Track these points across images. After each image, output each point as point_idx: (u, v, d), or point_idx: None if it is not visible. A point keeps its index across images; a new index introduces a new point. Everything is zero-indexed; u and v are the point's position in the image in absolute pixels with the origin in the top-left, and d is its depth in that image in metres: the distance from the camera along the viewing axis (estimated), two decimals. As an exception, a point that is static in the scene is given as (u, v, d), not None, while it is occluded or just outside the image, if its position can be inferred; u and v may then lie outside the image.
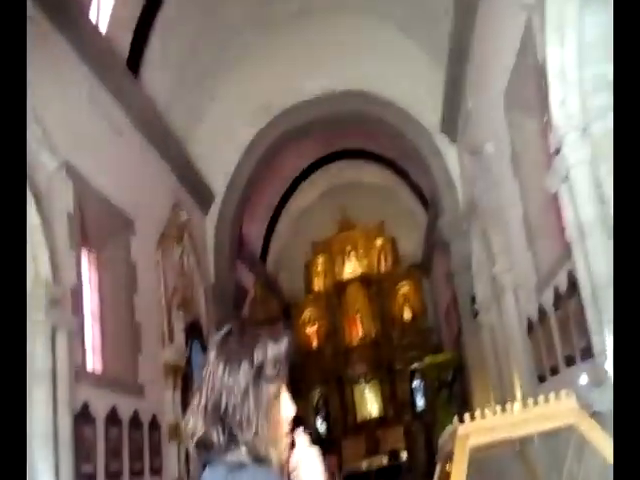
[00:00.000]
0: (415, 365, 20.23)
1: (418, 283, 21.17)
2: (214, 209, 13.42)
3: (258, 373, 1.56)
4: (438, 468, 3.86)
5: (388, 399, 20.51)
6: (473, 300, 11.63)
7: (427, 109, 12.70)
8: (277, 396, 1.59)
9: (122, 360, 8.59)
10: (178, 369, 10.01)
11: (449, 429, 3.74)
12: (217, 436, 1.54)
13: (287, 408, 1.61)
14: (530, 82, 6.75)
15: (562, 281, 6.49)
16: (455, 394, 15.63)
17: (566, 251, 6.10)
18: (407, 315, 21.14)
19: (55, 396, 6.35)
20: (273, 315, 15.57)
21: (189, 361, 10.77)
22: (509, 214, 8.82)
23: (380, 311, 21.06)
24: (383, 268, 21.76)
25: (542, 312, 7.54)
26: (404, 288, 21.29)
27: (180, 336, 10.35)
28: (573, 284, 5.86)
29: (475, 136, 10.40)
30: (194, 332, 11.22)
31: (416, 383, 20.52)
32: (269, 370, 1.57)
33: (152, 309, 9.68)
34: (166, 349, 9.84)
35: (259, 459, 1.51)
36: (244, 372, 1.56)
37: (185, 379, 10.41)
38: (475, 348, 11.92)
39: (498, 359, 10.67)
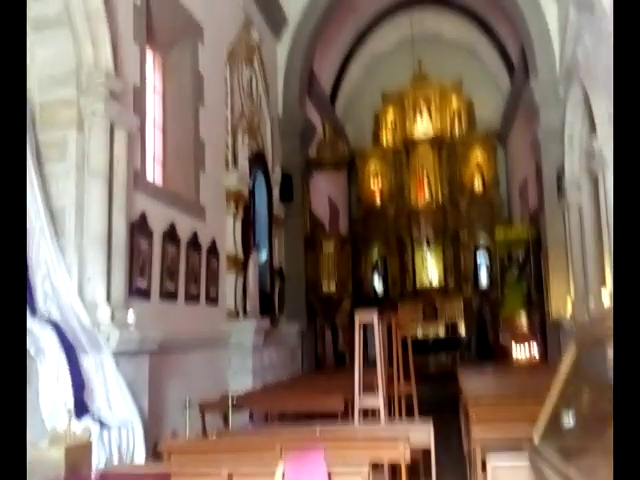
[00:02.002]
0: (482, 238, 19.57)
1: (493, 152, 19.86)
2: (286, 37, 12.39)
3: None
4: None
5: (450, 269, 19.67)
6: (560, 176, 10.61)
7: None
8: None
9: (184, 176, 7.97)
10: (240, 197, 9.40)
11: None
12: None
13: None
14: None
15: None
16: (526, 274, 14.81)
17: None
18: (478, 185, 19.93)
19: (111, 198, 5.76)
20: (340, 161, 14.71)
21: (252, 192, 10.16)
22: None
23: (449, 176, 19.88)
24: (457, 131, 20.33)
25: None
26: (477, 155, 19.96)
27: (244, 163, 9.68)
28: None
29: None
30: (258, 162, 10.55)
31: (481, 257, 19.69)
32: None
33: (217, 128, 8.97)
34: (230, 173, 9.20)
35: None
36: None
37: (247, 210, 9.84)
38: (557, 228, 11.06)
39: (584, 244, 9.86)
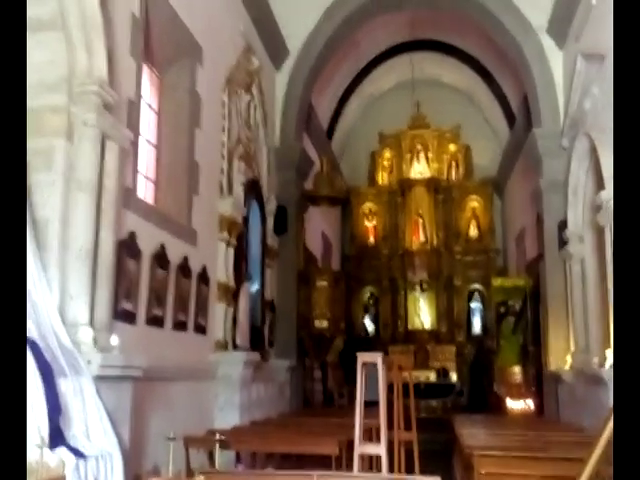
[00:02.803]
0: (477, 285, 19.37)
1: (489, 200, 19.89)
2: (286, 68, 12.25)
3: None
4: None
5: (443, 314, 19.50)
6: (561, 227, 10.45)
7: (533, 5, 11.21)
8: None
9: (176, 197, 7.68)
10: (234, 224, 9.11)
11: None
12: None
13: None
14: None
15: None
16: (522, 325, 14.57)
17: None
18: (473, 231, 19.91)
19: (98, 214, 5.45)
20: (337, 196, 14.49)
21: (246, 221, 9.88)
22: None
23: (445, 221, 19.85)
24: (454, 176, 20.36)
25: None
26: (473, 202, 19.98)
27: (239, 189, 9.43)
28: None
29: (597, 37, 8.93)
30: (253, 191, 10.30)
31: (475, 304, 19.57)
32: None
33: (213, 152, 8.72)
34: (224, 199, 8.92)
35: None
36: None
37: (240, 238, 9.54)
38: (557, 280, 10.90)
39: (586, 298, 9.72)
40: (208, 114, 8.40)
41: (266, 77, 11.06)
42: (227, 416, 8.30)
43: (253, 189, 10.29)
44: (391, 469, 5.92)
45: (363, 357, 5.33)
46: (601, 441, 2.48)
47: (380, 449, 5.14)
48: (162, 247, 6.92)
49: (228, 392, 8.47)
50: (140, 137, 6.79)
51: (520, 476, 4.76)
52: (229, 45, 9.38)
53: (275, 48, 11.66)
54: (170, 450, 5.04)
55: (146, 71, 7.27)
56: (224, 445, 5.85)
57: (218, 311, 8.74)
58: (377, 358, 5.26)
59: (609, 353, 8.03)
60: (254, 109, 10.29)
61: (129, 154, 6.14)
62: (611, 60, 7.99)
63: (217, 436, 5.31)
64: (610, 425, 2.37)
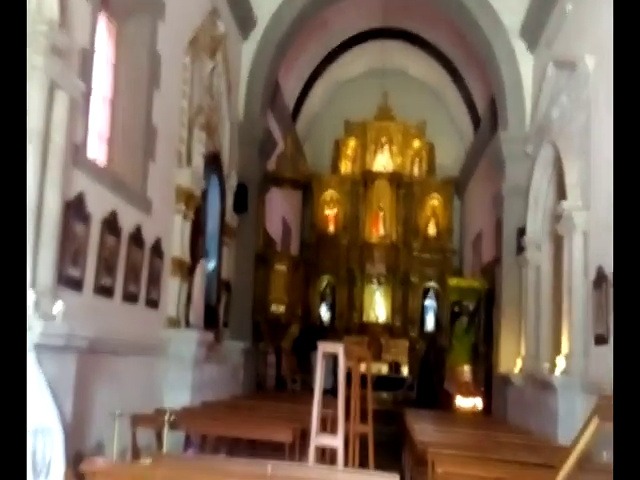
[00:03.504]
0: (432, 283, 19.47)
1: (449, 200, 20.08)
2: (253, 39, 11.76)
3: None
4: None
5: (398, 308, 19.66)
6: (520, 233, 10.42)
7: (508, 7, 11.02)
8: None
9: (131, 162, 7.19)
10: (192, 197, 8.65)
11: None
12: None
13: None
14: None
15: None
16: (475, 325, 14.82)
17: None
18: (432, 230, 20.11)
19: (44, 169, 4.97)
20: (300, 179, 14.13)
21: (204, 195, 9.43)
22: (599, 143, 7.33)
23: (405, 216, 19.96)
24: (416, 173, 20.40)
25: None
26: (434, 200, 20.16)
27: (199, 161, 8.95)
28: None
29: (570, 45, 8.85)
30: (214, 164, 9.85)
31: (429, 301, 19.85)
32: None
33: (172, 118, 8.25)
34: (182, 170, 8.46)
35: None
36: None
37: (197, 213, 9.09)
38: (512, 285, 10.87)
39: (540, 303, 9.78)
40: (168, 76, 7.92)
41: (232, 45, 10.57)
42: (177, 395, 7.88)
43: (213, 163, 9.84)
44: (346, 462, 5.62)
45: (325, 347, 5.03)
46: (577, 449, 2.42)
47: (337, 441, 4.83)
48: (113, 213, 6.46)
49: (179, 371, 8.04)
50: (93, 91, 6.29)
51: (476, 477, 4.72)
52: (194, 4, 8.89)
53: (242, 16, 11.16)
54: (115, 428, 4.64)
55: (102, 19, 6.77)
56: (174, 425, 5.45)
57: (172, 286, 8.30)
58: (339, 349, 4.96)
59: (559, 360, 8.08)
60: (218, 77, 9.82)
61: (80, 107, 5.66)
62: (582, 69, 7.92)
63: (167, 416, 4.92)
64: (588, 433, 2.38)
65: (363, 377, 6.76)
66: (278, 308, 13.33)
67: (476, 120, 16.79)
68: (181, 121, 8.51)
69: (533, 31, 10.67)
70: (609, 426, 2.19)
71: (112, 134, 7.09)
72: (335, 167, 20.49)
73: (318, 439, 4.92)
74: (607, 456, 2.26)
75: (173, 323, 8.23)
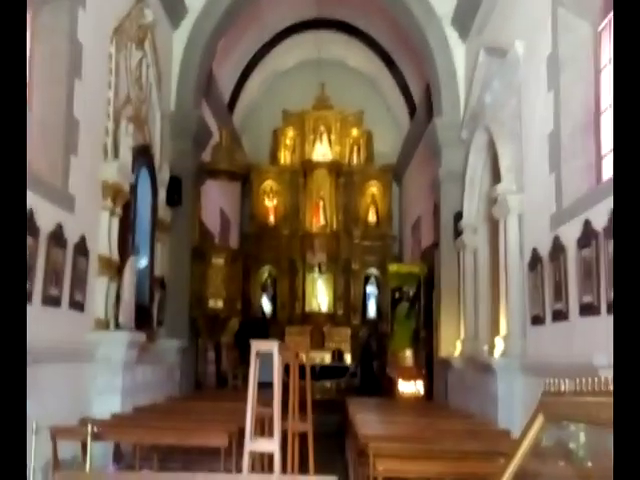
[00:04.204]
0: (373, 269, 19.54)
1: (388, 187, 20.15)
2: (184, 28, 11.36)
3: None
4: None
5: (340, 297, 19.72)
6: (457, 217, 10.46)
7: None
8: None
9: (49, 156, 6.77)
10: (119, 192, 8.26)
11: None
12: None
13: None
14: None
15: (599, 217, 5.35)
16: (416, 310, 14.94)
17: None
18: (372, 217, 20.18)
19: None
20: (237, 171, 13.80)
21: (134, 190, 9.04)
22: (531, 127, 7.52)
23: (345, 204, 19.98)
24: (355, 161, 20.46)
25: (558, 247, 6.42)
26: (373, 188, 20.23)
27: (127, 154, 8.54)
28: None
29: (500, 32, 8.98)
30: (144, 157, 9.46)
31: (370, 288, 19.92)
32: None
33: (96, 109, 7.83)
34: (108, 163, 8.06)
35: None
36: None
37: (126, 208, 8.71)
38: (451, 269, 10.95)
39: (478, 286, 9.89)
40: (91, 66, 7.50)
41: (161, 34, 10.15)
42: (107, 402, 7.51)
43: (143, 155, 9.44)
44: (284, 465, 5.36)
45: (258, 345, 4.72)
46: (529, 437, 2.30)
47: (273, 445, 4.52)
48: (30, 211, 6.05)
49: (108, 375, 7.67)
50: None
51: (417, 472, 4.75)
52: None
53: (172, 4, 10.75)
54: (32, 444, 4.30)
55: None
56: (98, 436, 5.13)
57: (99, 286, 7.91)
58: (273, 347, 4.67)
59: (497, 341, 8.13)
60: (147, 68, 9.42)
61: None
62: (512, 54, 8.02)
63: (89, 427, 4.59)
64: (532, 433, 2.28)
65: (302, 367, 6.56)
66: (216, 303, 13.02)
67: (412, 107, 16.88)
68: (107, 112, 8.11)
69: (465, 18, 10.70)
70: (554, 426, 2.16)
71: (27, 126, 6.65)
72: (274, 157, 20.26)
73: (253, 444, 4.64)
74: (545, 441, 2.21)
75: (101, 325, 7.85)
